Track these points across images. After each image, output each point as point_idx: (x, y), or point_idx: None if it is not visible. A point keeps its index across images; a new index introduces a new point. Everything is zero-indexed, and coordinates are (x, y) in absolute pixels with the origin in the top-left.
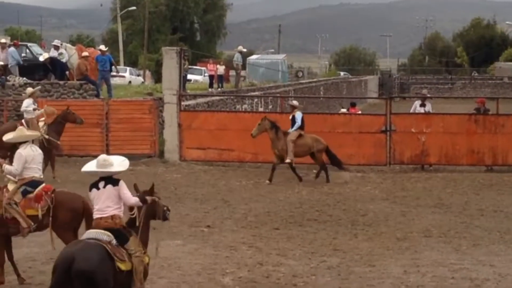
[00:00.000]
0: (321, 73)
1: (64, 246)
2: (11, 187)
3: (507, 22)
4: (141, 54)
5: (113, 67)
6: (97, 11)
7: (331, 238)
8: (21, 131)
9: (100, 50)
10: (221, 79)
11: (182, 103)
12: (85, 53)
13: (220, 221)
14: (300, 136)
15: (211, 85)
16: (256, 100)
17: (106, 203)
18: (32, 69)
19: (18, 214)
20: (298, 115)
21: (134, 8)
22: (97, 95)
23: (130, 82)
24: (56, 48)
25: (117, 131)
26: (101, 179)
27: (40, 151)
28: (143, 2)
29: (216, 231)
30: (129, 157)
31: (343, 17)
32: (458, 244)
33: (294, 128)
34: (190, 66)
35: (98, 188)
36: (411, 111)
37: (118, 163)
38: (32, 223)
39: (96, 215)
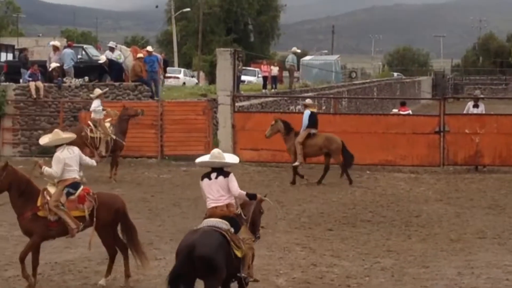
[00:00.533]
0: (374, 73)
1: (102, 244)
2: (51, 189)
3: None
4: (195, 55)
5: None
6: (152, 13)
7: (384, 239)
8: (57, 134)
9: (147, 51)
10: (275, 80)
11: (236, 104)
12: (140, 55)
13: (274, 222)
14: (310, 135)
15: (264, 86)
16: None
17: (219, 193)
18: (87, 71)
19: (66, 215)
20: (306, 113)
21: (188, 9)
22: (152, 97)
23: (184, 83)
24: (112, 49)
25: (171, 132)
26: (213, 170)
27: (77, 151)
28: (197, 3)
29: (270, 232)
30: (183, 158)
31: (397, 17)
32: None
33: (302, 128)
34: (243, 67)
35: (210, 179)
36: (464, 112)
37: (230, 157)
38: (81, 224)
39: (211, 204)
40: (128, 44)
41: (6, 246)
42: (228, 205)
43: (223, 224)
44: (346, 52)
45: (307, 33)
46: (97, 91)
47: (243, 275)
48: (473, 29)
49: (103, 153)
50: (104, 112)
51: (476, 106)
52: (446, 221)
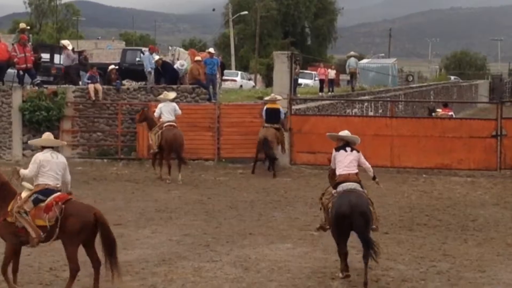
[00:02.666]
0: (431, 77)
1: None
2: (24, 194)
3: None
4: (253, 58)
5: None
6: (210, 16)
7: (440, 243)
8: (48, 136)
9: (209, 52)
10: (332, 83)
11: (293, 107)
12: (197, 58)
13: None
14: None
15: (321, 89)
16: (366, 104)
17: (352, 163)
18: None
19: (27, 224)
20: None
21: (246, 12)
22: (209, 99)
23: (241, 86)
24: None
25: (228, 134)
26: (347, 144)
27: (62, 160)
28: (255, 7)
29: (326, 234)
30: (240, 160)
31: (454, 21)
32: None
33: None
34: (301, 70)
35: (345, 151)
36: None
37: (355, 137)
38: (42, 233)
39: (344, 170)
40: (185, 47)
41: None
42: (357, 173)
43: (359, 187)
44: (402, 55)
45: (364, 36)
46: (170, 94)
47: (373, 226)
48: None
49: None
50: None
51: None
52: (503, 225)
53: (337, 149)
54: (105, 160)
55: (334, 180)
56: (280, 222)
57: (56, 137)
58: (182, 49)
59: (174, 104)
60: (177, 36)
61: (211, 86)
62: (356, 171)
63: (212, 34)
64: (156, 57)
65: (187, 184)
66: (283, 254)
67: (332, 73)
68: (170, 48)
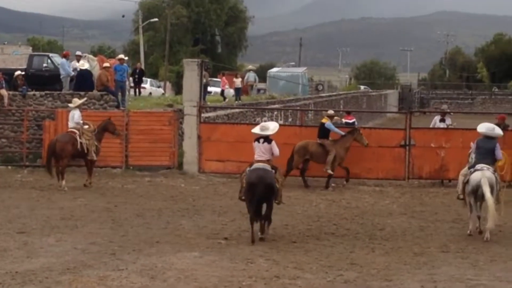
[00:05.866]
0: (341, 86)
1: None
2: None
3: None
4: (162, 65)
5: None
6: (119, 23)
7: (348, 252)
8: None
9: (119, 59)
10: (238, 92)
11: (202, 115)
12: (106, 64)
13: (238, 234)
14: None
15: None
16: (276, 113)
17: (264, 152)
18: (53, 80)
19: None
20: None
21: (156, 19)
22: (118, 106)
23: (150, 93)
24: (79, 58)
25: (136, 142)
26: (261, 137)
27: None
28: (165, 14)
29: (234, 243)
30: (148, 168)
31: (365, 31)
32: (475, 259)
33: None
34: (210, 78)
35: (259, 142)
36: (431, 126)
37: (272, 129)
38: None
39: (259, 157)
40: (94, 53)
41: None
42: (268, 160)
43: (268, 166)
44: (313, 64)
45: (275, 45)
46: (76, 101)
47: (276, 201)
48: (440, 43)
49: (95, 158)
50: (86, 126)
51: (442, 120)
52: (410, 234)
53: (254, 141)
54: (10, 167)
55: None
56: (187, 230)
57: None
58: (91, 56)
59: (74, 111)
60: (85, 42)
61: (120, 93)
62: (269, 157)
63: (121, 41)
64: (86, 65)
65: (94, 191)
66: (190, 262)
67: (238, 82)
68: (78, 52)
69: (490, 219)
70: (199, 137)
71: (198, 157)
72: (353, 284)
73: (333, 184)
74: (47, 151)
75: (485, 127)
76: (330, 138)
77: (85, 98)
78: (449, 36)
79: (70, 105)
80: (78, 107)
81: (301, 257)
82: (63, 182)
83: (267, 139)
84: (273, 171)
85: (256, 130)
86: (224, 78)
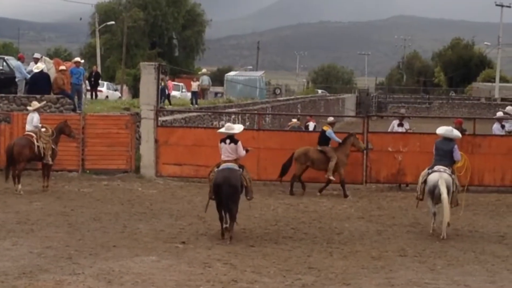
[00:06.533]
0: (298, 90)
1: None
2: None
3: (486, 43)
4: (119, 68)
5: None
6: (76, 25)
7: (306, 256)
8: None
9: (76, 62)
10: (195, 95)
11: (159, 118)
12: (62, 67)
13: (195, 238)
14: None
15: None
16: (233, 116)
17: (230, 153)
18: (8, 83)
19: None
20: None
21: (112, 22)
22: (74, 109)
23: (107, 96)
24: (36, 61)
25: (93, 145)
26: (227, 137)
27: None
28: (121, 17)
29: (191, 247)
30: (105, 172)
31: (323, 35)
32: (433, 263)
33: None
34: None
35: (225, 143)
36: (389, 130)
37: (237, 128)
38: None
39: (226, 157)
40: (50, 56)
41: None
42: (235, 160)
43: (236, 166)
44: (271, 68)
45: (232, 49)
46: (35, 104)
47: (248, 197)
48: (398, 47)
49: (50, 162)
50: (44, 129)
51: (401, 124)
52: (368, 238)
53: (220, 142)
54: None
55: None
56: (145, 234)
57: None
58: (47, 58)
59: (33, 114)
60: (42, 45)
61: (76, 97)
62: (235, 157)
63: (78, 44)
64: (42, 66)
65: (50, 195)
66: (148, 266)
67: (195, 86)
68: (36, 55)
69: (444, 218)
70: (156, 140)
71: (155, 161)
72: None
73: (348, 192)
74: (6, 154)
75: (444, 129)
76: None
77: (44, 102)
78: (406, 40)
79: (29, 108)
80: (37, 110)
81: (259, 261)
82: (19, 186)
83: (233, 139)
84: (240, 170)
85: (222, 130)
86: (169, 82)
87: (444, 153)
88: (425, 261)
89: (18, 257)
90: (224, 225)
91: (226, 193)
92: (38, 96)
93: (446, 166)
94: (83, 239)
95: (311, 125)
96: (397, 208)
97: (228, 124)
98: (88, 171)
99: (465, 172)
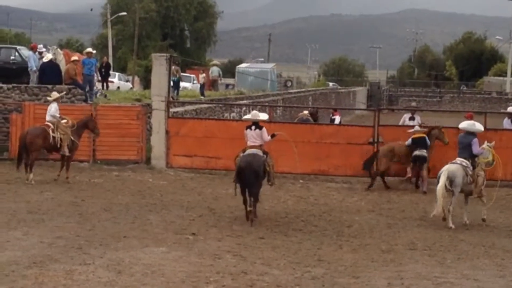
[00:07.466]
0: (310, 83)
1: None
2: None
3: (497, 37)
4: (131, 59)
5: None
6: (88, 16)
7: (315, 249)
8: None
9: (87, 52)
10: (202, 87)
11: (171, 109)
12: (74, 58)
13: (205, 229)
14: None
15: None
16: (244, 108)
17: (256, 138)
18: (21, 73)
19: None
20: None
21: (124, 13)
22: (86, 100)
23: (118, 87)
24: (40, 53)
25: (104, 136)
26: (253, 124)
27: None
28: (133, 8)
29: (201, 239)
30: (116, 163)
31: (334, 27)
32: (442, 257)
33: None
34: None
35: (251, 129)
36: (400, 123)
37: (262, 116)
38: None
39: (250, 143)
40: (62, 47)
41: None
42: (260, 146)
43: (260, 152)
44: (282, 60)
45: (244, 41)
46: (55, 94)
47: (269, 183)
48: (409, 41)
49: (67, 153)
50: (65, 121)
51: (412, 118)
52: (378, 232)
53: (246, 128)
54: None
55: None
56: (155, 225)
57: None
58: (58, 49)
59: (52, 105)
60: (53, 35)
61: (88, 87)
62: (261, 143)
63: (89, 34)
64: (51, 56)
65: (61, 185)
66: (158, 257)
67: (201, 78)
68: (49, 47)
69: (437, 206)
70: (167, 132)
71: (166, 152)
72: (321, 280)
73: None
74: (19, 143)
75: (466, 123)
76: (410, 138)
77: (64, 92)
78: (418, 34)
79: (48, 98)
80: (56, 100)
81: (268, 253)
82: (31, 175)
83: (258, 126)
84: (264, 156)
85: (248, 116)
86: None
87: (463, 147)
88: (435, 254)
89: (29, 246)
90: (248, 208)
91: (248, 177)
92: (49, 86)
93: (465, 159)
94: (94, 229)
95: (337, 119)
96: (407, 202)
97: (254, 111)
98: (99, 162)
99: (495, 167)
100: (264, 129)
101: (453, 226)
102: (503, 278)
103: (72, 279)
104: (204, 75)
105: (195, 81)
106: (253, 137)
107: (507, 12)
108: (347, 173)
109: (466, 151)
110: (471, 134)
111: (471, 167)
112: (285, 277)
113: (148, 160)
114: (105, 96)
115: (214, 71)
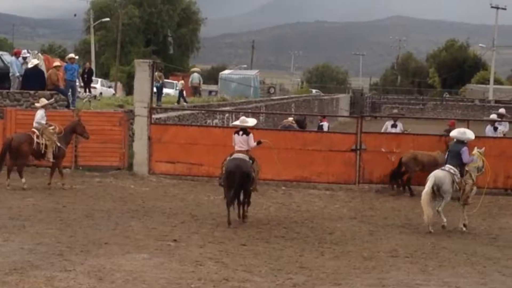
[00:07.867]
0: (293, 90)
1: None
2: None
3: (480, 45)
4: (113, 65)
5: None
6: (71, 22)
7: (297, 256)
8: None
9: (70, 58)
10: (181, 94)
11: (153, 116)
12: (56, 63)
13: (187, 236)
14: None
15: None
16: (227, 115)
17: (242, 143)
18: (2, 78)
19: None
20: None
21: (107, 19)
22: (68, 106)
23: (101, 93)
24: (24, 59)
25: (86, 142)
26: (240, 130)
27: None
28: (116, 13)
29: (183, 245)
30: (98, 169)
31: (318, 34)
32: (424, 264)
33: None
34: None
35: (238, 134)
36: (382, 131)
37: (251, 122)
38: None
39: (237, 148)
40: (44, 52)
41: None
42: (247, 151)
43: (246, 157)
44: (265, 67)
45: (227, 47)
46: (43, 100)
47: (251, 187)
48: (393, 48)
49: (51, 159)
50: (52, 127)
51: (394, 125)
52: (360, 239)
53: (234, 133)
54: None
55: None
56: (136, 232)
57: None
58: (39, 54)
59: (39, 111)
60: (36, 40)
61: (70, 93)
62: (247, 148)
63: (72, 40)
64: (37, 62)
65: (42, 191)
66: (139, 264)
67: (179, 85)
68: (30, 51)
69: (425, 213)
70: (149, 138)
71: (148, 158)
72: (302, 287)
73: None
74: (1, 148)
75: (456, 131)
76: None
77: (53, 99)
78: (401, 41)
79: (36, 104)
80: (44, 107)
81: (250, 260)
82: (23, 180)
83: (246, 131)
84: (250, 161)
85: (237, 122)
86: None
87: (453, 155)
88: (417, 262)
89: (9, 253)
90: (232, 211)
91: (239, 179)
92: (31, 92)
93: (454, 166)
94: (75, 235)
95: (325, 126)
96: (390, 209)
97: (242, 117)
98: (80, 168)
99: (483, 175)
100: (251, 135)
101: (432, 231)
102: (484, 285)
103: (52, 286)
104: (182, 81)
105: (177, 88)
106: (240, 142)
107: (490, 20)
108: (329, 180)
109: (455, 159)
110: (461, 142)
111: (458, 175)
112: (267, 284)
113: (130, 167)
114: (95, 97)
115: (195, 77)
